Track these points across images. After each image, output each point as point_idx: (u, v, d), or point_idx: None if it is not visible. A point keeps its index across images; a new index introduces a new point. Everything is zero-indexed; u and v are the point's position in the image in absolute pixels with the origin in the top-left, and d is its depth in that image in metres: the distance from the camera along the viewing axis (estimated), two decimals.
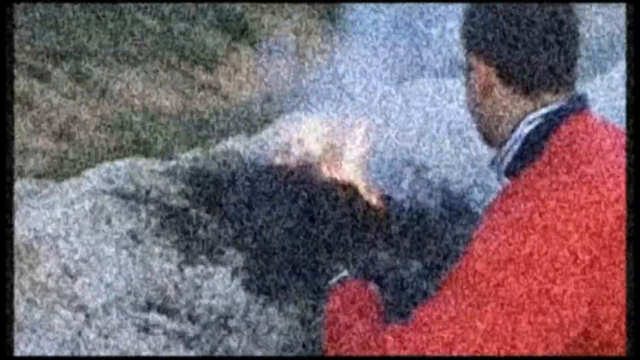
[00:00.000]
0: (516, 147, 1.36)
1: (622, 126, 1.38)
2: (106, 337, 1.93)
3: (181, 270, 2.10)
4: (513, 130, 1.36)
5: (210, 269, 2.12)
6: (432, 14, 2.69)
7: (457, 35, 1.46)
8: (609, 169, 1.26)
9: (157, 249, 2.13)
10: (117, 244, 2.12)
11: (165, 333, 1.96)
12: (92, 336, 1.92)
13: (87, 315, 1.96)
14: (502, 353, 1.17)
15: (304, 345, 2.04)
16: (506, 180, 1.39)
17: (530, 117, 1.35)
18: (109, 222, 2.18)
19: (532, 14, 1.34)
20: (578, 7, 1.39)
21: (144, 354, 1.91)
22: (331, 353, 1.40)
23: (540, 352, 1.18)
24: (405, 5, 2.76)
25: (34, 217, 2.16)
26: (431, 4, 2.72)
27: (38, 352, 1.89)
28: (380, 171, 2.50)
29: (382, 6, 2.78)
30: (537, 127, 1.34)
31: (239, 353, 1.98)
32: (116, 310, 1.98)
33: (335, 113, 2.61)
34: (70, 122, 6.39)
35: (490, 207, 1.30)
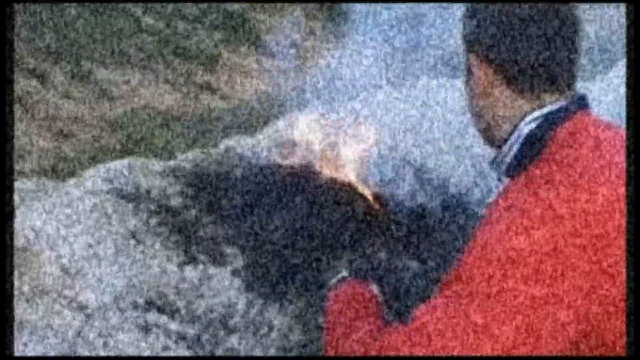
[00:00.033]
0: (516, 147, 1.36)
1: (622, 126, 1.38)
2: (106, 337, 1.93)
3: (181, 270, 2.10)
4: (513, 130, 1.36)
5: (210, 269, 2.12)
6: (432, 14, 2.69)
7: (457, 35, 1.46)
8: (609, 169, 1.26)
9: (157, 249, 2.13)
10: (117, 244, 2.12)
11: (165, 333, 1.96)
12: (92, 336, 1.92)
13: (87, 315, 1.96)
14: (502, 353, 1.17)
15: (304, 345, 2.04)
16: (506, 180, 1.39)
17: (531, 117, 1.35)
18: (109, 222, 2.18)
19: (532, 14, 1.34)
20: (578, 7, 1.39)
21: (144, 354, 1.91)
22: (331, 353, 1.40)
23: (540, 352, 1.18)
24: (406, 5, 2.76)
25: (34, 217, 2.16)
26: (431, 4, 2.72)
27: (38, 352, 1.88)
28: (380, 171, 2.50)
29: (382, 6, 2.78)
30: (537, 127, 1.34)
31: (239, 353, 1.98)
32: (116, 310, 1.98)
33: (335, 113, 2.61)
34: (70, 122, 6.40)
35: (491, 206, 1.30)
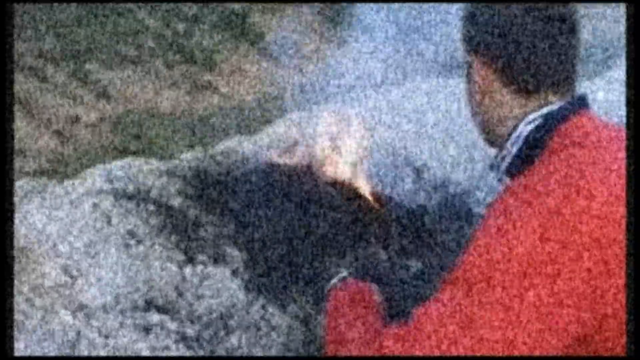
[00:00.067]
0: (516, 147, 1.36)
1: (622, 126, 1.38)
2: (106, 337, 1.93)
3: (181, 270, 2.10)
4: (513, 131, 1.36)
5: (210, 269, 2.12)
6: (432, 14, 2.69)
7: (457, 35, 1.46)
8: (609, 169, 1.26)
9: (157, 249, 2.13)
10: (117, 244, 2.12)
11: (165, 333, 1.97)
12: (92, 336, 1.92)
13: (87, 315, 1.96)
14: (502, 353, 1.17)
15: (304, 345, 2.04)
16: (506, 180, 1.39)
17: (531, 117, 1.35)
18: (109, 222, 2.18)
19: (532, 15, 1.34)
20: (578, 7, 1.39)
21: (144, 354, 1.91)
22: (331, 353, 1.40)
23: (540, 353, 1.18)
24: (406, 5, 2.76)
25: (34, 217, 2.16)
26: (431, 4, 2.72)
27: (38, 352, 1.88)
28: (380, 171, 2.50)
29: (383, 6, 2.78)
30: (537, 127, 1.34)
31: (239, 353, 1.98)
32: (116, 310, 1.98)
33: (335, 113, 2.61)
34: (70, 122, 6.40)
35: (491, 207, 1.29)
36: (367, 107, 2.69)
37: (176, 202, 2.29)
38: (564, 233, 1.19)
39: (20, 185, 2.35)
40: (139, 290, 2.03)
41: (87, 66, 7.06)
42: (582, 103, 1.37)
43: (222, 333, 2.01)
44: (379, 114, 2.71)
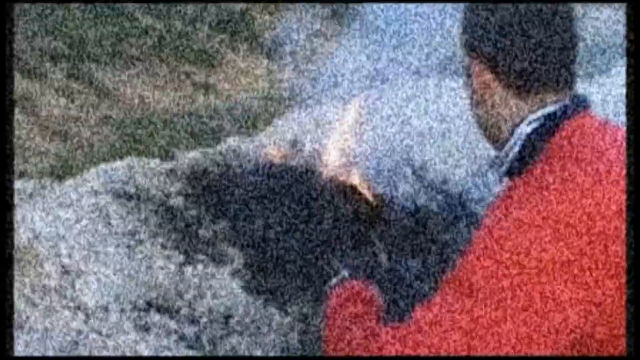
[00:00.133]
0: (517, 147, 1.36)
1: (622, 126, 1.38)
2: (106, 337, 1.93)
3: (181, 270, 2.10)
4: (513, 131, 1.36)
5: (210, 269, 2.12)
6: (432, 14, 2.69)
7: (457, 35, 1.46)
8: (609, 169, 1.26)
9: (157, 249, 2.13)
10: (117, 244, 2.12)
11: (165, 333, 1.97)
12: (92, 336, 1.92)
13: (87, 315, 1.96)
14: (502, 353, 1.17)
15: (304, 345, 2.04)
16: (507, 180, 1.39)
17: (531, 117, 1.35)
18: (109, 222, 2.18)
19: (531, 15, 1.34)
20: (578, 8, 1.39)
21: (144, 354, 1.91)
22: (331, 353, 1.40)
23: (539, 352, 1.18)
24: (406, 5, 2.76)
25: (34, 217, 2.16)
26: (431, 4, 2.72)
27: (38, 352, 1.88)
28: (380, 171, 2.50)
29: (383, 6, 2.78)
30: (537, 128, 1.34)
31: (239, 353, 1.98)
32: (116, 310, 1.98)
33: (335, 113, 2.61)
34: (70, 122, 6.39)
35: (491, 207, 1.30)
36: (367, 106, 2.69)
37: (176, 202, 2.29)
38: (564, 233, 1.19)
39: (20, 185, 2.35)
40: (139, 290, 2.03)
41: (87, 66, 7.05)
42: (582, 103, 1.37)
43: (222, 333, 2.01)
44: (379, 113, 2.71)
